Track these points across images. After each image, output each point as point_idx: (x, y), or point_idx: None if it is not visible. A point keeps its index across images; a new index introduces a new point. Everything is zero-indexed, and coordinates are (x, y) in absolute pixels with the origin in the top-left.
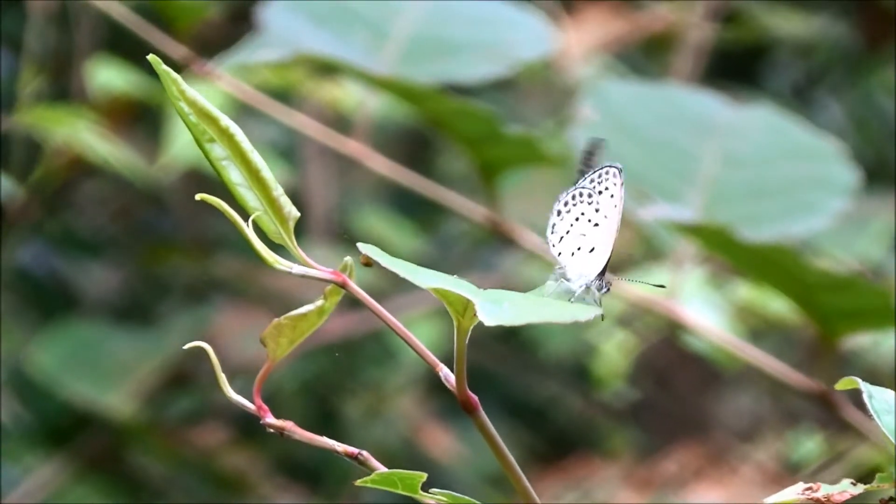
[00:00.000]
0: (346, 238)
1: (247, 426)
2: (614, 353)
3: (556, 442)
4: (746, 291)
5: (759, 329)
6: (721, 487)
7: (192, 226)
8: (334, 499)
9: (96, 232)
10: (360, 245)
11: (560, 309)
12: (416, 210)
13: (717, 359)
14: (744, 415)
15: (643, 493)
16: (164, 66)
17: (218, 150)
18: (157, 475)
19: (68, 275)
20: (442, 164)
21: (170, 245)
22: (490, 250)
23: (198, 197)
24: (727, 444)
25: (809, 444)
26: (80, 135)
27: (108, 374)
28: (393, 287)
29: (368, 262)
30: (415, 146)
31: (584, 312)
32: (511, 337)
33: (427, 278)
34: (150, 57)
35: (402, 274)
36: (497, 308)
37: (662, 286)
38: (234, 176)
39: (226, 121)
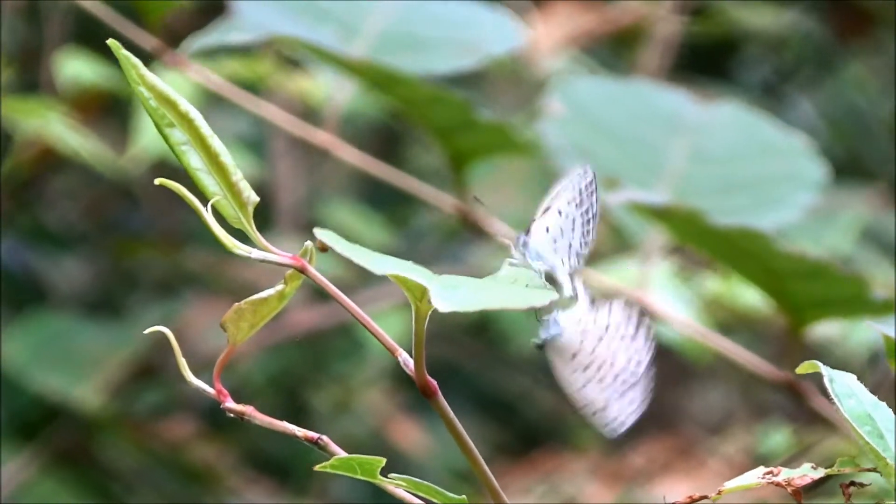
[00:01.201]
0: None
1: (215, 419)
2: None
3: (526, 437)
4: (715, 284)
5: (728, 323)
6: (689, 480)
7: (162, 220)
8: (303, 492)
9: (67, 226)
10: (316, 230)
11: (516, 294)
12: (385, 204)
13: (686, 350)
14: (713, 409)
15: (612, 487)
16: (124, 51)
17: (177, 135)
18: (126, 468)
19: (39, 268)
20: (411, 158)
21: (140, 239)
22: (460, 243)
23: (157, 181)
24: (696, 437)
25: (778, 437)
26: (52, 126)
27: (77, 366)
28: (361, 280)
29: (324, 248)
30: (383, 141)
31: (540, 297)
32: (481, 332)
33: (383, 264)
34: (110, 42)
35: (356, 260)
36: (452, 293)
37: None
38: (194, 161)
39: (185, 105)
